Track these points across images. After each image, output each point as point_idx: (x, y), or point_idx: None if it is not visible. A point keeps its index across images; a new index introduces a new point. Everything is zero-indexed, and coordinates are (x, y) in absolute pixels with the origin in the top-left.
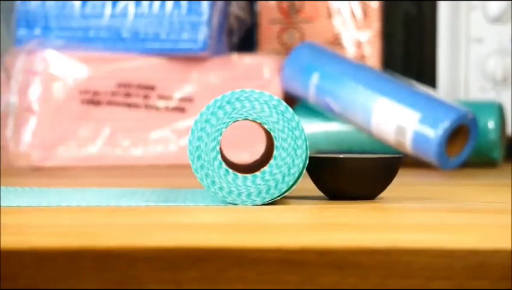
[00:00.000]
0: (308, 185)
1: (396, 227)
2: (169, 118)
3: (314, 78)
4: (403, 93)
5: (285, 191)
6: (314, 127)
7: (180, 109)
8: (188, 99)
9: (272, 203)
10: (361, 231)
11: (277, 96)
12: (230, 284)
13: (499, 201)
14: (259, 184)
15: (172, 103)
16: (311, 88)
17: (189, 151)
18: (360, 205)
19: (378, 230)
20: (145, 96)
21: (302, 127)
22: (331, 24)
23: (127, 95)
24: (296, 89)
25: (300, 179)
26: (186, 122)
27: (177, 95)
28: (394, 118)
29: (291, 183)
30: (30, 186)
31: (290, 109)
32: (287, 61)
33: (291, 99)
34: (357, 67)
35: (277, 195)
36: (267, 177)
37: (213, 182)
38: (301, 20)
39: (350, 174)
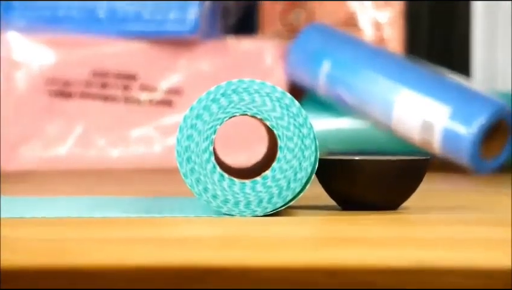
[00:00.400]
0: (317, 193)
1: (422, 242)
2: (154, 113)
3: (325, 66)
4: (430, 83)
5: (291, 200)
6: (324, 124)
7: (167, 103)
8: (175, 91)
9: (275, 214)
10: (380, 247)
11: (281, 88)
12: None
13: None
14: (260, 191)
15: (157, 95)
16: (321, 78)
17: (177, 152)
18: (379, 216)
19: (400, 246)
20: (125, 88)
21: (310, 124)
22: (344, 2)
23: (103, 85)
24: (304, 78)
25: (308, 186)
26: (174, 118)
27: (163, 85)
28: (420, 112)
29: (297, 190)
30: None
31: (297, 103)
32: (292, 46)
33: (297, 91)
34: (375, 53)
35: (281, 204)
36: (269, 183)
37: (205, 189)
38: None
39: (367, 179)
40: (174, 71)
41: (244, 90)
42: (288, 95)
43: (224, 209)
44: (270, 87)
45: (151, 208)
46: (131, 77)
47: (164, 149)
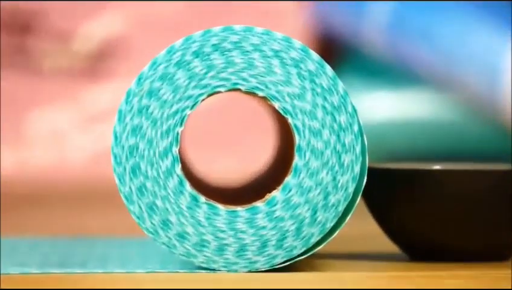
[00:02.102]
0: (366, 230)
1: None
2: (69, 88)
3: (381, 5)
4: None
5: (318, 243)
6: (379, 107)
7: (92, 68)
8: (108, 47)
9: (290, 268)
10: None
11: (300, 42)
12: None
13: None
14: (264, 227)
15: (75, 56)
16: (373, 25)
17: (115, 157)
18: (479, 273)
19: None
20: (16, 42)
21: (353, 108)
22: None
23: None
24: (342, 26)
25: (349, 217)
26: (105, 95)
27: (85, 37)
28: None
29: (330, 224)
30: None
31: (329, 69)
32: None
33: (330, 49)
34: None
35: (301, 250)
36: (278, 213)
37: (165, 223)
38: None
39: (456, 204)
40: (104, 10)
41: (235, 46)
42: (314, 54)
43: (200, 260)
44: (281, 41)
45: (68, 256)
46: (27, 24)
47: (89, 153)
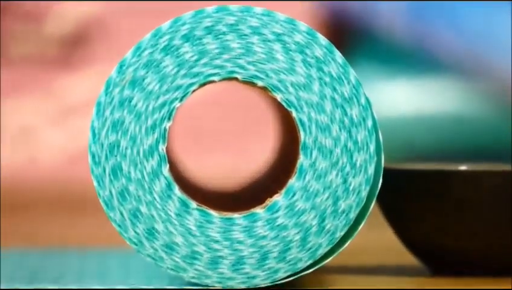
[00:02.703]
0: (381, 237)
1: None
2: (39, 75)
3: None
4: None
5: (327, 256)
6: (395, 98)
7: (65, 55)
8: (85, 29)
9: (294, 283)
10: None
11: (306, 24)
12: None
13: None
14: (264, 237)
15: (47, 38)
16: (391, 5)
17: (92, 156)
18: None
19: None
20: None
21: (367, 100)
22: None
23: None
24: (354, 6)
25: (362, 225)
26: (80, 86)
27: (60, 16)
28: None
29: (339, 234)
30: None
31: (339, 55)
32: None
33: (339, 32)
34: None
35: (305, 263)
36: (281, 221)
37: (151, 233)
38: None
39: (486, 212)
40: None
41: (231, 29)
42: (322, 39)
43: (190, 274)
44: (284, 24)
45: (39, 270)
46: None
47: (63, 151)
